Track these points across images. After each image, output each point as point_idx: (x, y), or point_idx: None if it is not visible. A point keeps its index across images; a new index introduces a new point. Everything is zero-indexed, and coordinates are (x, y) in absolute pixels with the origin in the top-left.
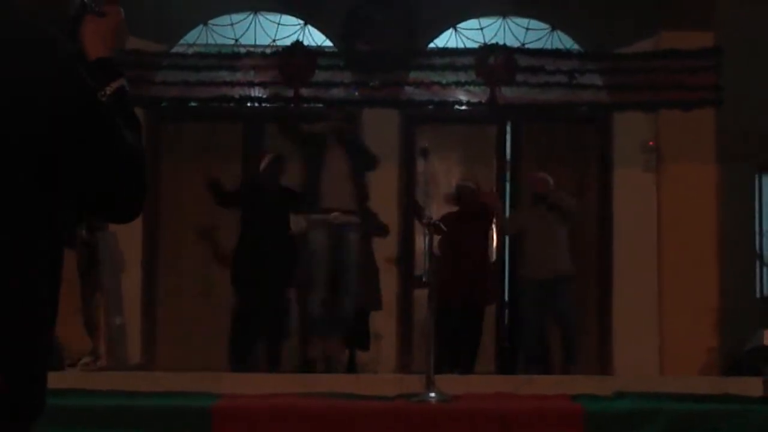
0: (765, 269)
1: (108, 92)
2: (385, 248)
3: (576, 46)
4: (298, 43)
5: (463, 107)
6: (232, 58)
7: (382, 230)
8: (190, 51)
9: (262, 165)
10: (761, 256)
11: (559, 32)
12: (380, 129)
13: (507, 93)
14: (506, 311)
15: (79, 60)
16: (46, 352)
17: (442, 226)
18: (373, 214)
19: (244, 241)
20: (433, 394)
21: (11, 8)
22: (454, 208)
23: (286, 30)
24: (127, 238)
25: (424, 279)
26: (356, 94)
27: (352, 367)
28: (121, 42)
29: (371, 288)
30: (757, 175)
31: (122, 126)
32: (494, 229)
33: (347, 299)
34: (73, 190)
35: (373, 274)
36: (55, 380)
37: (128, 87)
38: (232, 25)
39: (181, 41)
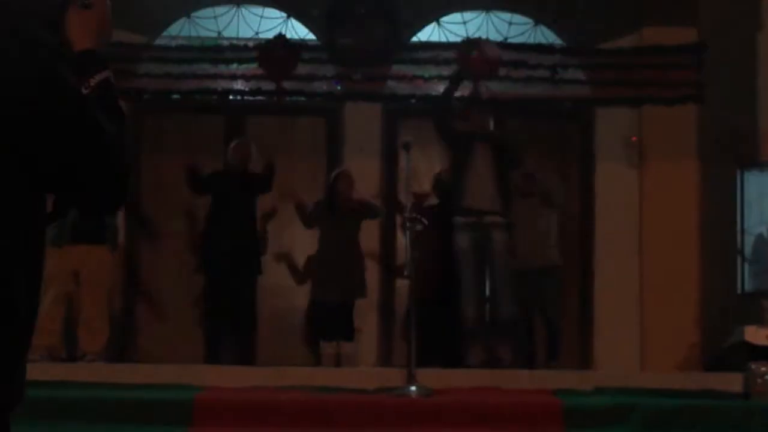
0: (746, 265)
1: (92, 84)
2: (367, 241)
3: (559, 41)
4: (280, 36)
5: None
6: (214, 50)
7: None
8: (173, 43)
9: (229, 150)
10: (743, 252)
11: (542, 27)
12: (363, 123)
13: (489, 87)
14: (488, 305)
15: (62, 53)
16: (22, 343)
17: (424, 220)
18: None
19: (212, 227)
20: (413, 388)
21: None
22: (434, 201)
23: (269, 23)
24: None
25: (405, 273)
26: (339, 87)
27: (337, 360)
28: (108, 34)
29: (356, 276)
30: (739, 172)
31: (105, 119)
32: None
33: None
34: (55, 183)
35: (358, 261)
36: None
37: (113, 79)
38: (215, 17)
39: (164, 33)
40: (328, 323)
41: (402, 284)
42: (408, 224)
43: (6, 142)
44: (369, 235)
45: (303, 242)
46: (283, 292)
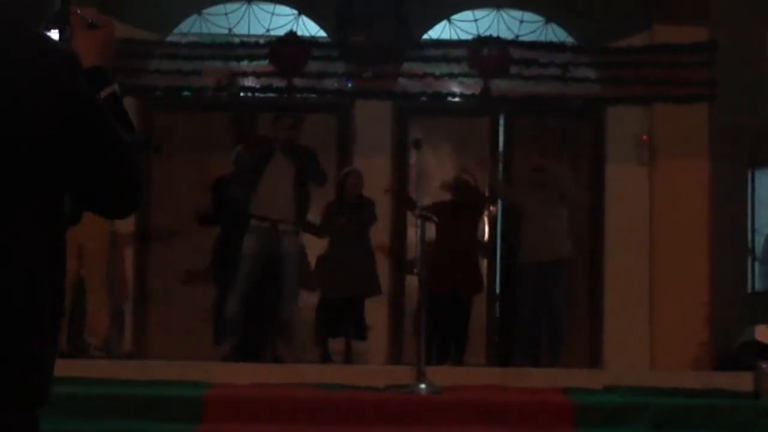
0: (756, 264)
1: (101, 97)
2: (377, 237)
3: (570, 39)
4: (291, 33)
5: (456, 99)
6: (225, 47)
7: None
8: (184, 40)
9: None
10: (753, 252)
11: (553, 25)
12: (373, 120)
13: (500, 85)
14: (498, 303)
15: (80, 66)
16: (49, 341)
17: (434, 218)
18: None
19: (224, 237)
20: (423, 386)
21: (13, 22)
22: (447, 197)
23: (280, 20)
24: (119, 227)
25: (415, 270)
26: (349, 85)
27: (348, 358)
28: (113, 51)
29: (368, 273)
30: (749, 171)
31: (119, 128)
32: (486, 221)
33: None
34: (73, 185)
35: (369, 258)
36: None
37: (120, 93)
38: (226, 14)
39: (175, 30)
40: (337, 320)
41: (412, 281)
42: (418, 221)
43: (29, 151)
44: (380, 231)
45: (313, 244)
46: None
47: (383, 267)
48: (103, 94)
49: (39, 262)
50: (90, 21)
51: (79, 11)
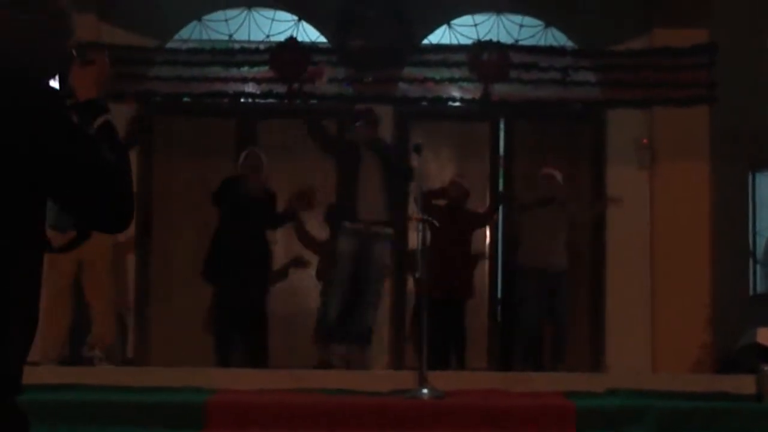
0: (758, 267)
1: (95, 125)
2: None
3: (570, 43)
4: (291, 39)
5: (457, 104)
6: (226, 53)
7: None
8: (184, 47)
9: (241, 160)
10: (754, 254)
11: (553, 29)
12: None
13: (500, 89)
14: (499, 307)
15: (66, 99)
16: (20, 337)
17: (435, 222)
18: None
19: (219, 238)
20: (425, 391)
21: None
22: (442, 201)
23: (280, 26)
24: (120, 234)
25: (416, 275)
26: (350, 90)
27: (351, 362)
28: (107, 84)
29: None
30: (750, 173)
31: (106, 150)
32: (487, 226)
33: None
34: (63, 205)
35: None
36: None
37: (113, 121)
38: (226, 20)
39: (175, 37)
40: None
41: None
42: (419, 226)
43: (11, 162)
44: None
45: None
46: (294, 294)
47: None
48: (97, 123)
49: (18, 267)
50: (86, 58)
51: (74, 51)
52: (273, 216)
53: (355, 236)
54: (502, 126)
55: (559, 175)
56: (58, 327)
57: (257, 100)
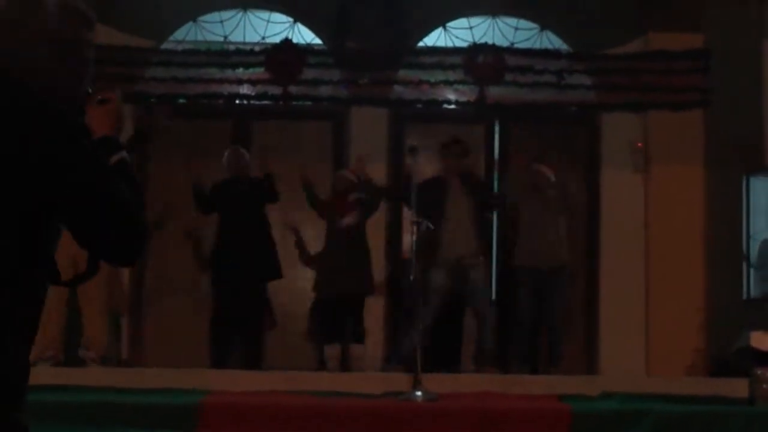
0: (752, 271)
1: (111, 162)
2: (373, 244)
3: (565, 46)
4: (287, 41)
5: (452, 106)
6: (221, 55)
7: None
8: (180, 48)
9: (224, 159)
10: (748, 258)
11: (548, 32)
12: (369, 127)
13: (495, 92)
14: (494, 308)
15: (85, 133)
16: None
17: (430, 225)
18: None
19: (222, 240)
20: (419, 393)
21: (28, 93)
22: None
23: (276, 27)
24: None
25: (411, 277)
26: (345, 92)
27: (345, 362)
28: (121, 122)
29: (363, 271)
30: (744, 177)
31: (124, 188)
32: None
33: None
34: (77, 230)
35: (364, 257)
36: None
37: (128, 158)
38: (221, 22)
39: (171, 38)
40: (333, 323)
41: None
42: (413, 228)
43: (22, 187)
44: (375, 238)
45: (309, 241)
46: (289, 296)
47: (378, 273)
48: (113, 160)
49: (19, 287)
50: (99, 97)
51: (89, 90)
52: (273, 193)
53: (446, 268)
54: (496, 129)
55: (550, 173)
56: (53, 327)
57: (252, 102)
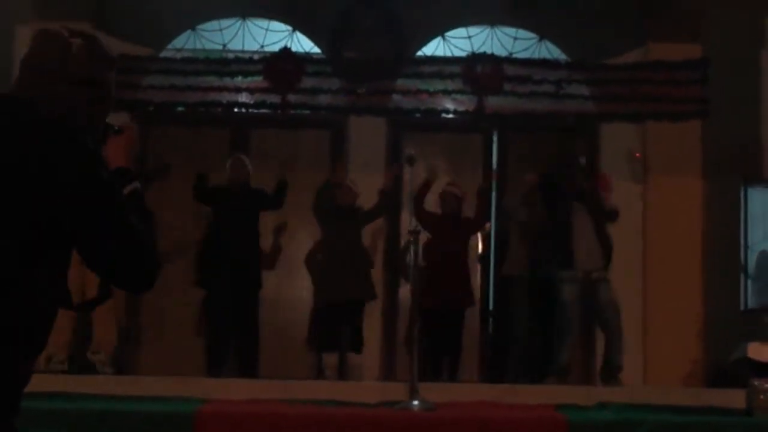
0: (749, 282)
1: (125, 193)
2: (371, 251)
3: (564, 56)
4: (286, 50)
5: (450, 116)
6: (220, 63)
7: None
8: (178, 56)
9: (227, 166)
10: (746, 269)
11: (547, 42)
12: (367, 136)
13: (494, 102)
14: (491, 319)
15: (103, 164)
16: (19, 363)
17: (427, 234)
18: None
19: (211, 243)
20: (416, 402)
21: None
22: (437, 212)
23: (275, 36)
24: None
25: (410, 286)
26: (344, 101)
27: (342, 371)
28: (133, 155)
29: (362, 277)
30: (742, 188)
31: (137, 219)
32: (480, 235)
33: None
34: (89, 255)
35: (363, 264)
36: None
37: (141, 189)
38: (220, 30)
39: (169, 46)
40: (332, 331)
41: (406, 296)
42: (412, 237)
43: (29, 208)
44: (373, 247)
45: (306, 250)
46: (285, 304)
47: (376, 282)
48: (127, 190)
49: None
50: (116, 128)
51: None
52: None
53: (575, 283)
54: (495, 139)
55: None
56: (61, 332)
57: (251, 110)
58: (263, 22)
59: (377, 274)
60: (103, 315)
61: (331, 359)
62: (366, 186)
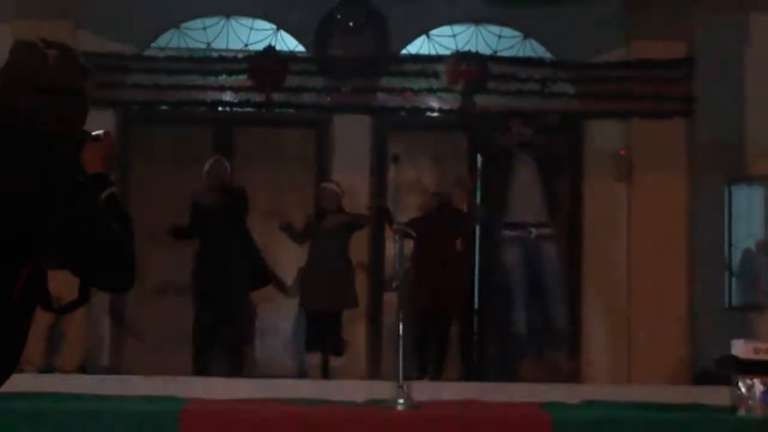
0: (734, 279)
1: (102, 197)
2: (355, 253)
3: (548, 55)
4: (270, 48)
5: (435, 114)
6: (204, 61)
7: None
8: (162, 54)
9: (205, 168)
10: (730, 266)
11: (532, 40)
12: (352, 135)
13: (479, 100)
14: (475, 318)
15: (79, 170)
16: None
17: (412, 232)
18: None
19: (202, 251)
20: (401, 401)
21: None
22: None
23: (259, 35)
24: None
25: (394, 285)
26: (328, 99)
27: (325, 373)
28: (113, 159)
29: (346, 286)
30: (727, 186)
31: (112, 220)
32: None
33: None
34: (67, 260)
35: (348, 272)
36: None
37: (118, 193)
38: (204, 29)
39: (153, 44)
40: (316, 334)
41: (391, 296)
42: (397, 236)
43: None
44: (358, 246)
45: (292, 255)
46: (270, 304)
47: (361, 282)
48: (104, 195)
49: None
50: (94, 135)
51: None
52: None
53: (518, 243)
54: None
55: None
56: (36, 334)
57: (235, 109)
58: (247, 21)
59: (361, 276)
60: (73, 320)
61: (314, 359)
62: (350, 184)
